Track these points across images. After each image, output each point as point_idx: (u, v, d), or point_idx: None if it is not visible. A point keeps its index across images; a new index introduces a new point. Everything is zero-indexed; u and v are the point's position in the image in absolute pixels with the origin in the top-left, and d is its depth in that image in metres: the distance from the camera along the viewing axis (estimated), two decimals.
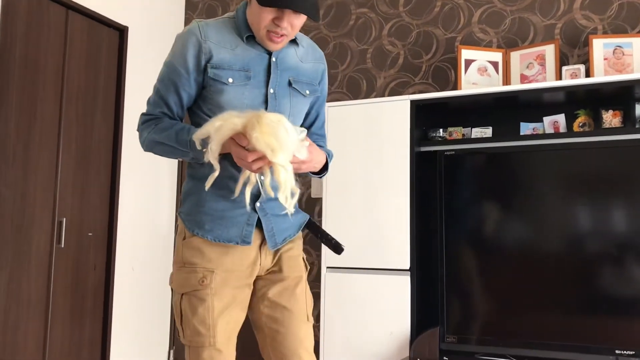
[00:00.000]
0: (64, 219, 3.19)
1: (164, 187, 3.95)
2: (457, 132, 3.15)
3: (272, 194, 1.50)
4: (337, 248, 1.69)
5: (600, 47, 2.90)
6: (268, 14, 1.51)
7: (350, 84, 3.64)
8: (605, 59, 2.88)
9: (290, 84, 1.65)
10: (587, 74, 2.97)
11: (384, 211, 2.99)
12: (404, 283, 2.91)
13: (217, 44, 1.57)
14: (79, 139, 3.32)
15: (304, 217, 1.73)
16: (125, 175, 3.59)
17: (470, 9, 3.37)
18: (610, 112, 2.84)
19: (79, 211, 3.30)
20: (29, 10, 3.07)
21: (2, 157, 2.91)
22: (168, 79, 1.60)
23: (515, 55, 3.11)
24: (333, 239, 1.70)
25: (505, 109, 3.11)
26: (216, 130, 1.40)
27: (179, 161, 4.05)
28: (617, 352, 2.57)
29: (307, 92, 1.70)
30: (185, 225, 1.62)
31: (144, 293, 3.72)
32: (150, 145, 1.61)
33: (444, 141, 3.09)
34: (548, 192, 2.82)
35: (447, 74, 3.38)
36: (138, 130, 1.65)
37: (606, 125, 2.84)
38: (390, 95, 3.48)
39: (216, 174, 1.45)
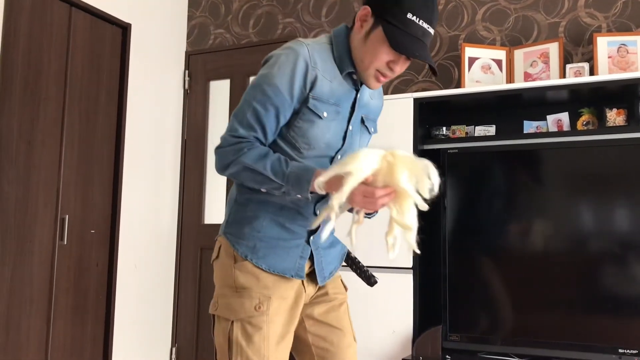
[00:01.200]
0: (67, 216, 3.19)
1: (166, 184, 3.95)
2: (460, 130, 3.14)
3: (410, 229, 1.40)
4: (370, 280, 1.66)
5: (604, 45, 2.88)
6: (385, 55, 1.45)
7: None
8: (609, 57, 2.87)
9: (362, 121, 1.61)
10: (591, 72, 2.96)
11: (387, 209, 2.97)
12: (407, 281, 2.90)
13: (321, 72, 1.47)
14: (81, 137, 3.32)
15: (344, 247, 1.70)
16: (128, 173, 3.59)
17: (474, 6, 3.36)
18: (614, 110, 2.83)
19: (82, 208, 3.30)
20: (32, 7, 3.07)
21: (5, 155, 2.91)
22: (270, 102, 1.44)
23: (519, 54, 3.10)
24: (367, 270, 1.68)
25: (508, 107, 3.10)
26: (350, 175, 1.30)
27: (182, 160, 4.05)
28: (620, 351, 2.57)
29: (373, 129, 1.67)
30: (235, 247, 1.51)
31: (146, 291, 3.72)
32: (237, 170, 1.45)
33: (447, 139, 3.08)
34: (552, 190, 2.81)
35: (451, 72, 3.37)
36: (221, 150, 1.48)
37: (610, 123, 2.83)
38: (393, 93, 3.47)
39: (332, 224, 1.36)
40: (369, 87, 1.53)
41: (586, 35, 3.08)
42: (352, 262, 1.70)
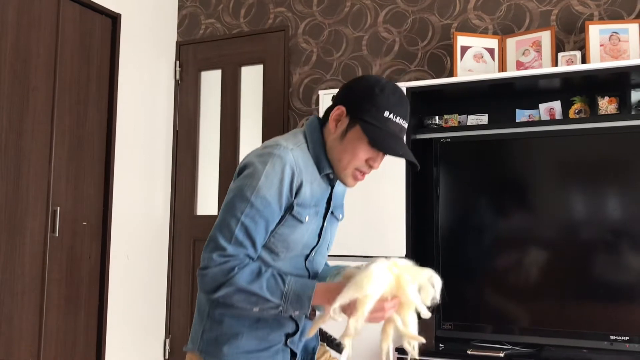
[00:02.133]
0: (58, 208, 3.17)
1: (158, 176, 3.93)
2: (452, 119, 3.14)
3: (420, 340, 1.40)
4: (339, 347, 1.68)
5: (596, 33, 2.89)
6: (364, 153, 1.45)
7: (345, 72, 3.62)
8: (601, 45, 2.87)
9: (332, 211, 1.58)
10: (583, 61, 2.96)
11: (380, 199, 2.98)
12: None
13: (305, 177, 1.44)
14: (72, 128, 3.30)
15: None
16: (119, 164, 3.57)
17: None
18: (606, 98, 2.83)
19: (73, 200, 3.28)
20: None
21: None
22: (260, 215, 1.37)
23: (511, 42, 3.09)
24: (335, 339, 1.71)
25: (501, 96, 3.10)
26: (368, 297, 1.29)
27: (173, 151, 4.03)
28: (611, 337, 2.59)
29: (340, 215, 1.64)
30: None
31: (139, 282, 3.71)
32: (228, 292, 1.36)
33: (440, 129, 3.08)
34: (544, 178, 2.82)
35: (443, 60, 3.36)
36: (208, 271, 1.37)
37: (602, 111, 2.83)
38: None
39: (349, 350, 1.36)
40: (347, 186, 1.52)
41: (578, 24, 3.08)
42: (322, 335, 1.72)
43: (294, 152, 1.43)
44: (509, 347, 2.72)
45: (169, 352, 3.89)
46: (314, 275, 1.57)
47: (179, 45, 4.11)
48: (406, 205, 2.92)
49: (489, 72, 3.07)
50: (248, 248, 1.38)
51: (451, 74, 3.29)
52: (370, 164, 1.47)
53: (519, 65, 3.04)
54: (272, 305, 1.37)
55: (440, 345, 2.81)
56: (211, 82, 4.06)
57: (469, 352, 2.70)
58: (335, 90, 3.19)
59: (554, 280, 2.74)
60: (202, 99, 4.07)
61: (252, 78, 3.94)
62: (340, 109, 1.47)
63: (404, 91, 2.96)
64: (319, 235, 1.54)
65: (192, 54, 4.08)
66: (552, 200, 2.78)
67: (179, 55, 4.10)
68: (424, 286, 1.36)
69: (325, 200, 1.53)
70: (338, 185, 1.60)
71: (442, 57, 3.36)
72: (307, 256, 1.53)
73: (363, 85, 1.47)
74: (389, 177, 2.97)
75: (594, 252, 2.69)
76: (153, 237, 3.85)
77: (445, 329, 2.86)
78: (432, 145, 3.00)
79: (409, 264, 1.37)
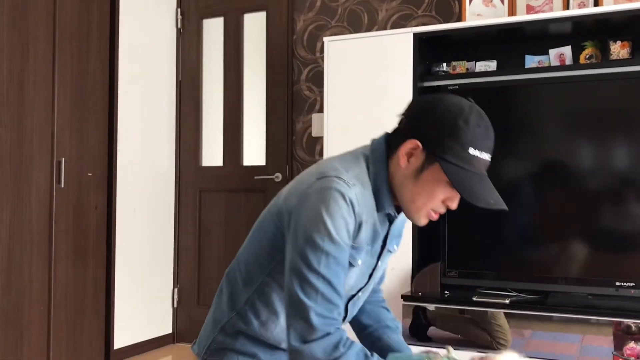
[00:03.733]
0: (63, 159, 3.16)
1: (162, 127, 3.90)
2: (460, 66, 3.08)
3: None
4: None
5: None
6: (443, 194, 1.27)
7: (350, 18, 3.54)
8: None
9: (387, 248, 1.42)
10: (596, 3, 2.87)
11: None
12: (407, 221, 2.90)
13: (364, 217, 1.27)
14: (74, 79, 3.25)
15: None
16: (123, 115, 3.54)
17: None
18: (619, 43, 2.76)
19: (78, 151, 3.27)
20: None
21: None
22: (337, 263, 1.22)
23: None
24: None
25: (510, 42, 3.02)
26: None
27: (177, 101, 3.99)
28: (617, 284, 2.60)
29: (395, 247, 1.47)
30: None
31: (146, 233, 3.73)
32: None
33: (448, 75, 3.02)
34: (553, 126, 2.78)
35: (451, 5, 3.27)
36: (305, 348, 1.20)
37: (614, 57, 2.76)
38: (392, 28, 3.38)
39: None
40: (417, 224, 1.34)
41: None
42: None
43: (355, 188, 1.25)
44: (514, 294, 2.74)
45: (177, 302, 3.95)
46: (351, 318, 1.46)
47: None
48: None
49: (498, 16, 2.99)
50: (339, 304, 1.23)
51: (459, 18, 3.20)
52: (447, 204, 1.30)
53: (529, 9, 2.95)
54: None
55: (446, 292, 2.83)
56: (213, 30, 3.97)
57: (474, 299, 2.72)
58: (340, 37, 3.13)
59: (560, 228, 2.74)
60: (205, 48, 4.00)
61: (255, 26, 3.85)
62: (415, 144, 1.26)
63: (411, 37, 2.92)
64: (370, 276, 1.40)
65: (194, 2, 3.99)
66: (561, 147, 2.74)
67: (180, 3, 4.00)
68: None
69: (382, 239, 1.37)
70: (399, 215, 1.40)
71: (450, 1, 3.27)
72: (352, 297, 1.40)
73: (443, 115, 1.24)
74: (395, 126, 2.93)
75: (602, 200, 2.67)
76: (159, 188, 3.86)
77: (451, 277, 2.87)
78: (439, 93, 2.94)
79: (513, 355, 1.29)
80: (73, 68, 3.25)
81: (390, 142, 1.33)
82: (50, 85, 3.12)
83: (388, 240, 1.40)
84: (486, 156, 1.27)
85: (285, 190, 1.38)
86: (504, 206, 1.29)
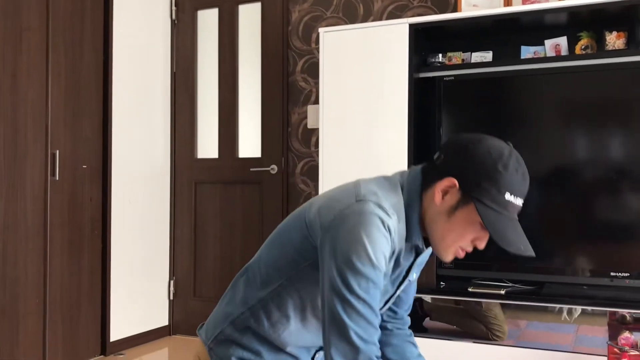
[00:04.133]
0: (57, 151, 3.14)
1: (157, 119, 3.88)
2: (456, 57, 3.07)
3: None
4: None
5: None
6: (473, 233, 1.29)
7: (346, 8, 3.52)
8: None
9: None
10: None
11: (382, 140, 2.95)
12: None
13: (397, 246, 1.30)
14: (67, 70, 3.23)
15: None
16: (117, 107, 3.52)
17: None
18: (614, 33, 2.76)
19: (72, 143, 3.25)
20: None
21: None
22: (376, 287, 1.24)
23: None
24: None
25: (506, 32, 3.02)
26: None
27: (172, 93, 3.97)
28: (612, 274, 2.61)
29: (415, 275, 1.47)
30: None
31: (142, 225, 3.72)
32: None
33: (443, 66, 3.01)
34: (549, 116, 2.78)
35: None
36: None
37: (609, 47, 2.76)
38: (388, 19, 3.37)
39: None
40: (443, 260, 1.36)
41: None
42: None
43: (393, 217, 1.26)
44: (510, 284, 2.74)
45: (173, 294, 3.95)
46: None
47: None
48: (408, 146, 2.89)
49: (494, 7, 2.98)
50: (377, 328, 1.25)
51: (455, 9, 3.19)
52: (476, 244, 1.32)
53: None
54: None
55: (442, 283, 2.84)
56: (208, 21, 3.95)
57: (470, 289, 2.73)
58: (336, 28, 3.12)
59: (555, 218, 2.75)
60: (200, 39, 3.98)
61: (250, 17, 3.83)
62: (452, 182, 1.28)
63: (407, 28, 2.91)
64: (385, 302, 1.42)
65: None
66: (556, 138, 2.74)
67: None
68: None
69: (405, 269, 1.39)
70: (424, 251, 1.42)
71: None
72: None
73: (483, 158, 1.26)
74: (392, 117, 2.93)
75: (597, 191, 2.68)
76: (154, 181, 3.85)
77: (447, 268, 2.88)
78: (435, 84, 2.94)
79: None
80: (67, 60, 3.23)
81: (426, 175, 1.35)
82: (44, 77, 3.10)
83: (411, 270, 1.41)
84: (520, 202, 1.30)
85: (317, 202, 1.38)
86: (532, 253, 1.30)
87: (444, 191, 1.29)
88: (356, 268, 1.21)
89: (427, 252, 1.43)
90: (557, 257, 2.72)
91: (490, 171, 1.25)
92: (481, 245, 1.32)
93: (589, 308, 2.54)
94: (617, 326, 2.49)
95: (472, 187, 1.26)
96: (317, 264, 1.30)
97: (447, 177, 1.29)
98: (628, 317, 2.49)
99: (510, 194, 1.26)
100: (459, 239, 1.31)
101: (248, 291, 1.42)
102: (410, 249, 1.36)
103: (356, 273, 1.21)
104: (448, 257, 1.34)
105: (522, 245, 1.28)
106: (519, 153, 1.33)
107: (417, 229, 1.33)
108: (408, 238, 1.33)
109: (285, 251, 1.37)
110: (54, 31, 3.14)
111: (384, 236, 1.24)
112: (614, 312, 2.50)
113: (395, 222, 1.27)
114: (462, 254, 1.34)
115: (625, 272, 2.58)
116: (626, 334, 2.44)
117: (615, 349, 2.18)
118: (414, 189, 1.33)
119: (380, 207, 1.25)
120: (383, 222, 1.24)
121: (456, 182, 1.28)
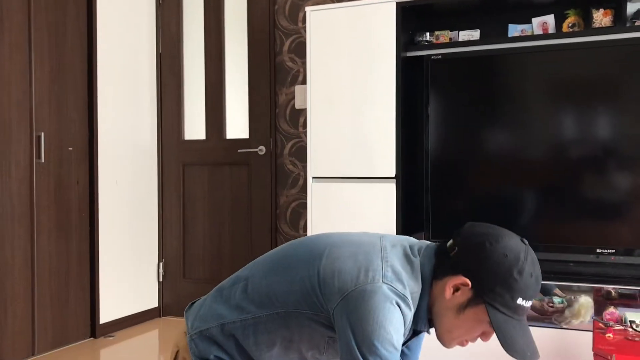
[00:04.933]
0: (42, 133, 3.11)
1: (143, 100, 3.84)
2: (444, 35, 3.06)
3: None
4: None
5: None
6: (479, 330, 1.31)
7: None
8: None
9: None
10: None
11: (370, 119, 2.94)
12: (390, 190, 2.91)
13: (406, 331, 1.32)
14: (51, 50, 3.18)
15: None
16: (102, 88, 3.48)
17: None
18: (601, 11, 2.76)
19: (57, 126, 3.22)
20: None
21: None
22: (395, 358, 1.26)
23: None
24: None
25: (493, 11, 3.01)
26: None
27: (158, 74, 3.93)
28: (597, 250, 2.64)
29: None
30: None
31: (130, 207, 3.71)
32: None
33: (431, 45, 3.00)
34: (536, 94, 2.78)
35: None
36: None
37: (596, 25, 2.76)
38: None
39: None
40: (444, 346, 1.37)
41: None
42: None
43: (412, 310, 1.29)
44: None
45: (162, 276, 3.95)
46: None
47: None
48: (396, 125, 2.89)
49: None
50: None
51: None
52: (481, 337, 1.33)
53: None
54: None
55: None
56: (194, 1, 3.90)
57: None
58: (322, 7, 3.09)
59: (542, 195, 2.77)
60: (185, 19, 3.93)
61: None
62: (465, 281, 1.28)
63: (394, 7, 2.90)
64: None
65: None
66: (544, 116, 2.75)
67: None
68: None
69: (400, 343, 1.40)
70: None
71: None
72: None
73: (500, 261, 1.25)
74: (379, 97, 2.92)
75: (583, 168, 2.70)
76: (141, 162, 3.82)
77: None
78: (422, 63, 2.93)
79: None
80: (50, 40, 3.18)
81: (439, 263, 1.34)
82: (27, 58, 3.05)
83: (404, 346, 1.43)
84: (530, 304, 1.29)
85: (334, 253, 1.36)
86: (538, 356, 1.30)
87: (455, 287, 1.29)
88: (376, 348, 1.22)
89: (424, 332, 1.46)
90: (543, 233, 2.74)
91: (505, 277, 1.25)
92: (486, 339, 1.34)
93: (575, 284, 2.57)
94: (602, 302, 2.53)
95: (486, 291, 1.26)
96: (317, 318, 1.32)
97: (461, 274, 1.28)
98: (613, 293, 2.52)
99: (523, 299, 1.27)
100: (466, 334, 1.32)
101: (245, 303, 1.41)
102: (411, 328, 1.36)
103: (376, 354, 1.22)
104: (451, 347, 1.36)
105: (529, 352, 1.27)
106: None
107: (425, 316, 1.34)
108: (414, 323, 1.34)
109: (292, 290, 1.36)
110: (35, 11, 3.09)
111: (399, 322, 1.25)
112: (600, 289, 2.53)
113: (408, 302, 1.28)
114: (465, 345, 1.35)
115: (610, 249, 2.61)
116: (611, 310, 2.48)
117: (601, 324, 2.22)
118: (426, 277, 1.33)
119: (404, 299, 1.26)
120: (402, 311, 1.25)
121: (469, 282, 1.28)
